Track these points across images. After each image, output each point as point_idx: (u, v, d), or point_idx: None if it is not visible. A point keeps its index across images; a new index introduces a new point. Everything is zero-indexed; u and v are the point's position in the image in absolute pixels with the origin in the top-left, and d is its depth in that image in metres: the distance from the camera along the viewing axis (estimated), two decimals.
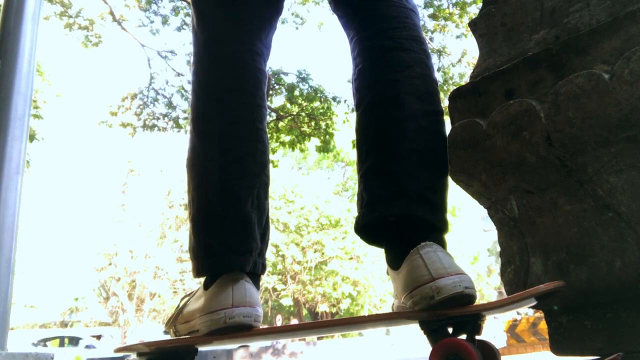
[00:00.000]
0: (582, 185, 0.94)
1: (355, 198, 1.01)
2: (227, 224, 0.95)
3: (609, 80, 0.85)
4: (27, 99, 1.78)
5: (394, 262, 0.90)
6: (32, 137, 8.54)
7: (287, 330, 0.94)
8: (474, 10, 8.18)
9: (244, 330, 0.89)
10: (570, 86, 0.88)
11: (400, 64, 0.97)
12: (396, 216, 0.88)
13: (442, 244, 0.88)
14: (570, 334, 0.99)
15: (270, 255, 19.68)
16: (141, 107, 9.52)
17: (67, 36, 8.91)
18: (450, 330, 0.81)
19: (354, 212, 22.43)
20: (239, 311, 0.89)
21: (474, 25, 1.20)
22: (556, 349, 1.01)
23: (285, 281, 21.03)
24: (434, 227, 0.89)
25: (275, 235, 19.67)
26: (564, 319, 1.01)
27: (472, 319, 0.80)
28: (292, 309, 22.81)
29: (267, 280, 20.17)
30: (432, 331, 0.81)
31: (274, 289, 21.04)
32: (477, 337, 0.82)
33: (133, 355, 0.99)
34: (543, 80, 0.96)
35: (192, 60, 1.09)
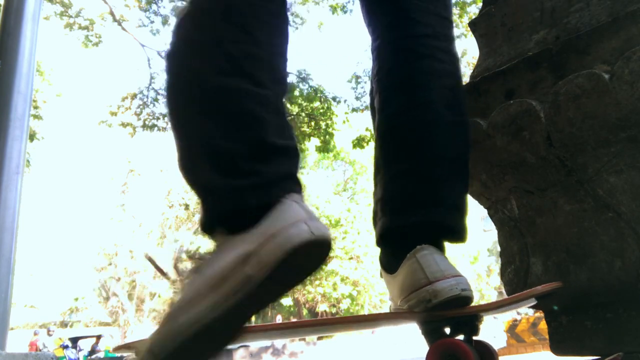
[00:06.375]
0: (582, 185, 0.94)
1: (373, 198, 0.99)
2: None
3: (609, 80, 0.85)
4: (27, 99, 1.78)
5: (391, 265, 0.89)
6: (32, 137, 8.53)
7: (286, 327, 0.93)
8: (474, 10, 8.16)
9: None
10: (570, 86, 0.88)
11: (433, 72, 0.97)
12: (434, 223, 0.88)
13: (441, 247, 0.88)
14: (570, 334, 0.99)
15: None
16: (141, 107, 9.50)
17: (67, 36, 8.91)
18: (447, 331, 0.81)
19: (354, 212, 22.04)
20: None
21: (474, 25, 1.20)
22: (556, 349, 1.01)
23: None
24: (460, 236, 0.90)
25: None
26: (564, 319, 1.01)
27: (469, 320, 0.80)
28: (292, 308, 22.81)
29: None
30: (430, 332, 0.82)
31: None
32: (476, 338, 0.82)
33: (131, 355, 0.99)
34: (543, 80, 0.96)
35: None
